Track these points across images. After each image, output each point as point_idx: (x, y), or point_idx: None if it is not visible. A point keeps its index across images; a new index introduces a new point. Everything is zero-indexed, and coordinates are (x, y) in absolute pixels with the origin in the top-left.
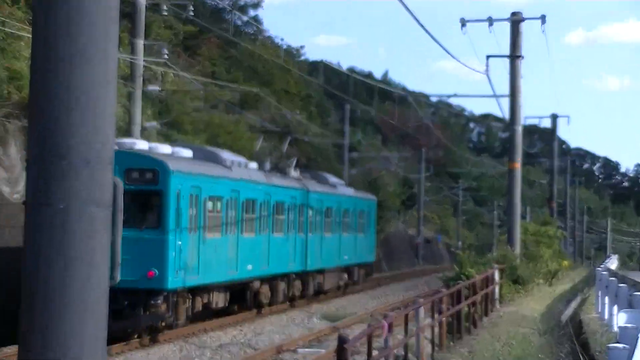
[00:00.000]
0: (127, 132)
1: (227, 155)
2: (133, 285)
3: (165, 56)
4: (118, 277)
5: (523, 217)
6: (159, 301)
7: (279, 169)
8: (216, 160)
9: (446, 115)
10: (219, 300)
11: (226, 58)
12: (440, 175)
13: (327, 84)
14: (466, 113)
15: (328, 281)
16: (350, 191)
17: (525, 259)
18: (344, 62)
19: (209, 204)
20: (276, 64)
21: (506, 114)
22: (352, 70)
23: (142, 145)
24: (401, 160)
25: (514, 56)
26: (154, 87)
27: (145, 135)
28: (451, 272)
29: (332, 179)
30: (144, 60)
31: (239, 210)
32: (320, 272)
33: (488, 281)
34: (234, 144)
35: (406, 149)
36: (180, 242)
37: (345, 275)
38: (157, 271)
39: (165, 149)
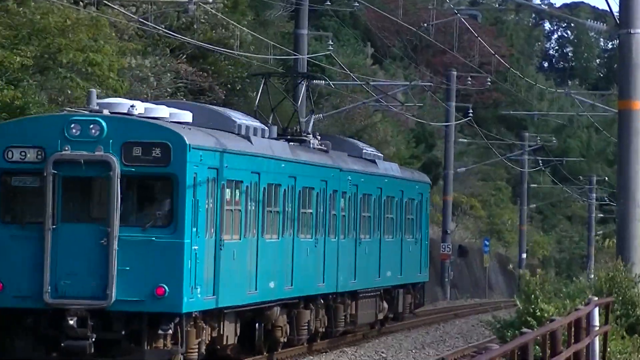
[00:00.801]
0: None
1: (239, 117)
2: (135, 308)
3: None
4: (113, 296)
5: None
6: (169, 330)
7: (292, 133)
8: (226, 125)
9: (498, 9)
10: (230, 333)
11: None
12: (486, 123)
13: None
14: (536, 3)
15: (362, 312)
16: (394, 169)
17: None
18: None
19: (227, 193)
20: None
21: (614, 5)
22: None
23: (140, 108)
24: (412, 93)
25: None
26: None
27: None
28: (509, 312)
29: (367, 148)
30: None
31: (259, 200)
32: (353, 296)
33: (580, 329)
34: (95, 66)
35: (421, 73)
36: (196, 247)
37: (386, 305)
38: (167, 288)
39: (162, 111)
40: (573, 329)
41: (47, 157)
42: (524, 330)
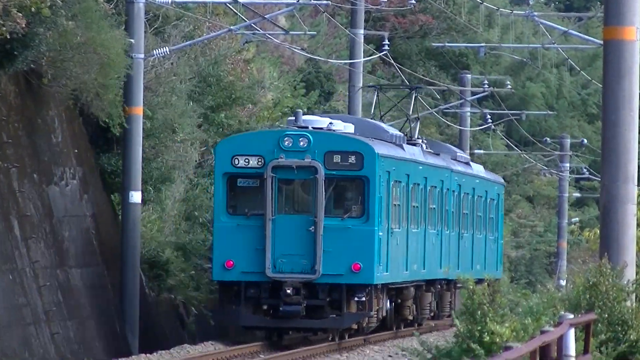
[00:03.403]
0: None
1: (387, 127)
2: (336, 280)
3: None
4: (319, 271)
5: None
6: (364, 298)
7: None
8: (382, 135)
9: None
10: (385, 306)
11: None
12: (410, 61)
13: None
14: None
15: (458, 300)
16: (481, 170)
17: None
18: None
19: (393, 191)
20: None
21: None
22: None
23: (338, 125)
24: (300, 17)
25: None
26: None
27: None
28: (444, 335)
29: (458, 151)
30: None
31: (408, 197)
32: (454, 285)
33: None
34: None
35: None
36: (381, 234)
37: None
38: (362, 264)
39: (338, 124)
40: None
41: (267, 163)
42: None
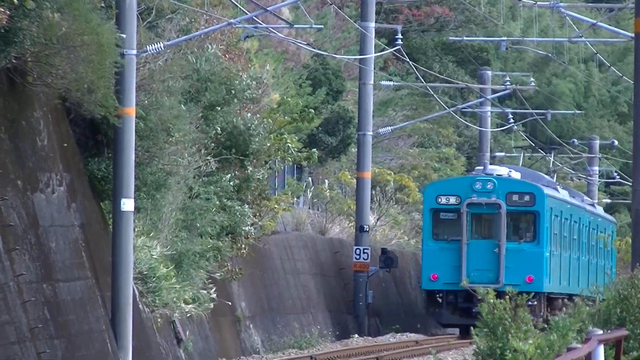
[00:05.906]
0: None
1: (544, 175)
2: (514, 289)
3: None
4: (502, 281)
5: None
6: (535, 302)
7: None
8: (541, 181)
9: None
10: (542, 313)
11: None
12: (425, 56)
13: None
14: None
15: None
16: (601, 211)
17: None
18: None
19: (553, 223)
20: None
21: None
22: None
23: (514, 174)
24: (306, 8)
25: None
26: None
27: None
28: (463, 353)
29: (583, 195)
30: None
31: (561, 228)
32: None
33: None
34: None
35: None
36: (547, 254)
37: None
38: (534, 277)
39: (515, 173)
40: None
41: (462, 201)
42: None
